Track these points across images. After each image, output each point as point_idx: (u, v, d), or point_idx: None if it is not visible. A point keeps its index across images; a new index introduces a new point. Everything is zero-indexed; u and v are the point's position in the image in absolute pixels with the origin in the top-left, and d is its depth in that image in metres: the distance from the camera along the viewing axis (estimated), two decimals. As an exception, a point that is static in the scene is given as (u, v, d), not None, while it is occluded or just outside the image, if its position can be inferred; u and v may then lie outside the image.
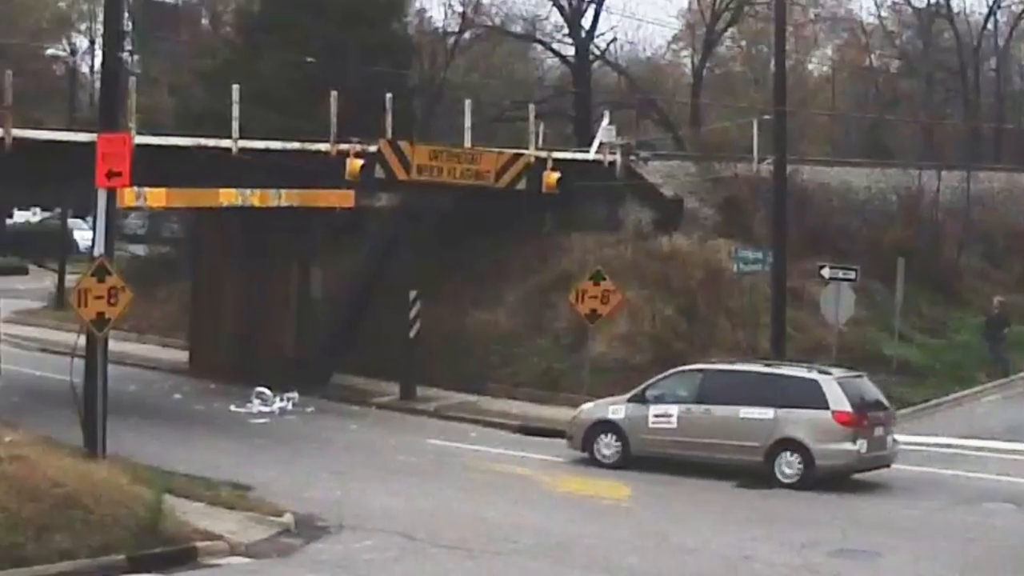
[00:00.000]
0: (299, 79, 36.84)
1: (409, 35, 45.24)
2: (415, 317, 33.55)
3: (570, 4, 51.66)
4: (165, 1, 58.29)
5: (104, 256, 21.57)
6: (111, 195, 21.92)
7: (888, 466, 25.29)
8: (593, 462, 25.63)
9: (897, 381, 33.43)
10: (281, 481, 23.22)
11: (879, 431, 24.93)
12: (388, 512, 21.39)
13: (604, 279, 30.50)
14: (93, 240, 22.74)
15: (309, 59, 37.13)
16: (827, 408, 24.29)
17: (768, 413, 24.53)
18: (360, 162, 30.98)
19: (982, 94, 58.48)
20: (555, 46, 54.05)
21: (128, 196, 26.27)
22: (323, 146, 31.62)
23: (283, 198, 30.87)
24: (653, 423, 25.25)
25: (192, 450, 25.59)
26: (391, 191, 33.27)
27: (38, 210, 61.78)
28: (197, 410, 31.71)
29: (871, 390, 25.66)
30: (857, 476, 25.47)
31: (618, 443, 25.49)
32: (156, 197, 29.32)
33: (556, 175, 33.83)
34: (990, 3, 58.84)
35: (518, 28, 53.64)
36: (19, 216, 63.10)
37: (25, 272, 56.82)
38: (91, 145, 22.21)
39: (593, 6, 51.83)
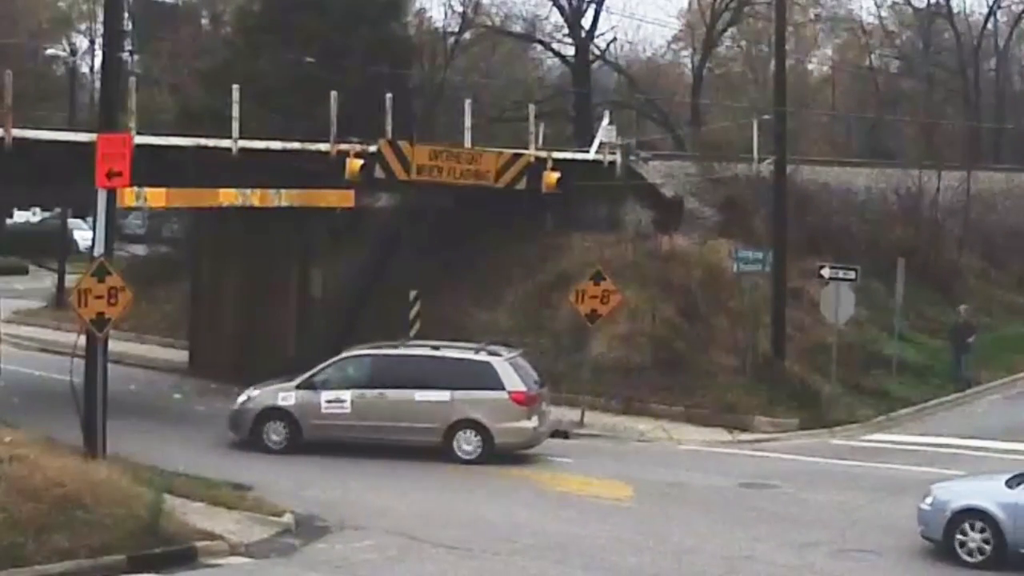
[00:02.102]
0: (299, 79, 36.83)
1: (409, 35, 45.24)
2: (415, 317, 33.54)
3: (570, 4, 51.69)
4: (165, 1, 58.34)
5: (104, 256, 21.56)
6: (111, 195, 21.92)
7: (548, 436, 26.80)
8: (260, 448, 25.96)
9: (897, 381, 33.49)
10: (281, 481, 23.22)
11: (544, 406, 26.61)
12: (388, 512, 21.40)
13: (604, 279, 30.49)
14: (93, 240, 22.73)
15: (309, 59, 37.13)
16: (503, 389, 25.58)
17: (445, 396, 25.65)
18: (360, 162, 30.98)
19: (982, 94, 58.49)
20: (555, 46, 54.14)
21: (128, 196, 26.26)
22: (323, 146, 31.62)
23: (283, 198, 30.86)
24: (326, 408, 26.06)
25: (192, 450, 25.58)
26: (391, 191, 33.28)
27: (38, 210, 61.73)
28: (197, 410, 31.69)
29: (530, 367, 26.89)
30: (856, 475, 25.51)
31: (287, 429, 26.15)
32: (156, 197, 29.31)
33: (556, 175, 33.83)
34: (990, 3, 58.95)
35: (518, 28, 53.67)
36: (19, 216, 63.06)
37: (25, 272, 56.80)
38: (91, 145, 22.21)
39: (593, 6, 51.94)
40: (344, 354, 27.33)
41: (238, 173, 30.08)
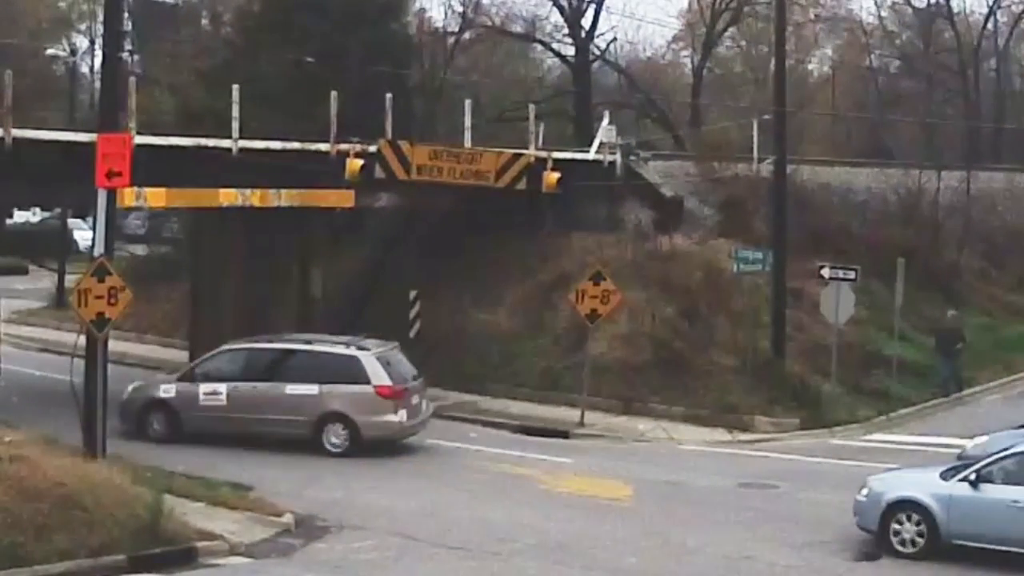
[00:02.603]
0: (299, 79, 36.81)
1: (409, 35, 45.19)
2: (415, 317, 33.55)
3: (570, 4, 51.66)
4: (165, 1, 58.27)
5: (104, 256, 21.57)
6: (111, 195, 21.93)
7: (424, 427, 27.31)
8: (144, 438, 26.33)
9: (897, 381, 33.48)
10: (281, 481, 23.23)
11: (415, 399, 26.95)
12: (388, 512, 21.40)
13: (604, 279, 30.50)
14: (93, 240, 22.75)
15: (309, 59, 37.11)
16: (369, 383, 26.08)
17: (313, 389, 26.15)
18: (360, 162, 30.98)
19: (982, 94, 58.47)
20: (555, 46, 54.08)
21: (128, 196, 26.27)
22: (323, 146, 31.62)
23: (283, 198, 30.86)
24: (203, 400, 26.57)
25: (192, 450, 25.59)
26: (391, 191, 33.24)
27: (38, 210, 61.71)
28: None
29: (404, 361, 27.44)
30: (856, 475, 25.43)
31: (168, 421, 26.81)
32: (156, 197, 29.31)
33: (556, 175, 33.83)
34: (990, 3, 58.90)
35: (518, 28, 53.62)
36: (19, 216, 63.03)
37: (25, 272, 56.76)
38: (91, 145, 22.21)
39: (593, 6, 51.88)
40: (222, 347, 27.86)
41: (238, 173, 30.07)
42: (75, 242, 53.11)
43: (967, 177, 43.15)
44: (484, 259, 35.38)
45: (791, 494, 24.05)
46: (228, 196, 30.11)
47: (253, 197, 30.36)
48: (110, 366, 22.45)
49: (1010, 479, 19.71)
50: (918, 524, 20.02)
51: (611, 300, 30.52)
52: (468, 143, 34.57)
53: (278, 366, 26.79)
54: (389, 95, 33.08)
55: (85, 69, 63.77)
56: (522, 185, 33.82)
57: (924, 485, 20.35)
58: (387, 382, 26.14)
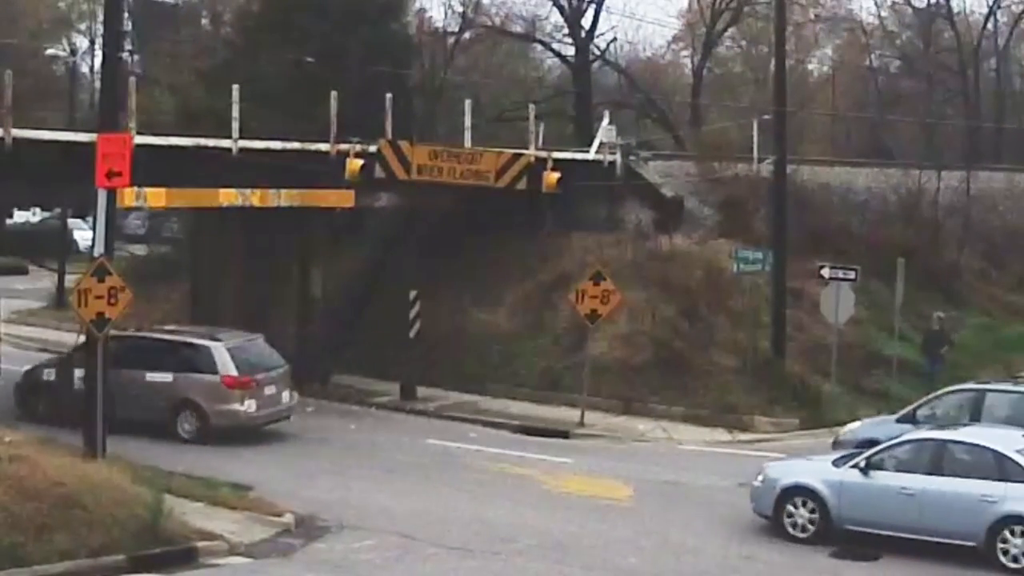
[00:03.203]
0: (299, 79, 36.79)
1: (409, 35, 45.16)
2: (415, 317, 33.54)
3: (570, 4, 51.64)
4: (165, 1, 58.28)
5: (104, 256, 21.58)
6: (111, 195, 21.95)
7: (288, 418, 28.38)
8: (33, 419, 26.88)
9: (897, 381, 33.46)
10: (281, 481, 23.24)
11: (271, 389, 27.88)
12: (388, 512, 21.41)
13: (604, 279, 30.50)
14: (93, 240, 22.75)
15: (309, 59, 37.09)
16: (217, 373, 27.20)
17: (168, 377, 27.33)
18: (360, 162, 30.98)
19: (982, 94, 58.44)
20: (555, 46, 54.04)
21: (128, 196, 26.27)
22: (323, 146, 31.62)
23: (283, 198, 30.86)
24: (78, 384, 26.66)
25: (192, 450, 25.60)
26: (391, 191, 33.24)
27: (38, 210, 61.70)
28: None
29: (265, 352, 28.50)
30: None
31: (51, 402, 27.68)
32: (156, 197, 29.31)
33: (556, 175, 33.82)
34: (990, 3, 58.84)
35: (518, 28, 53.60)
36: (19, 216, 63.02)
37: (25, 272, 56.74)
38: (91, 145, 22.23)
39: (593, 6, 51.85)
40: None
41: (238, 173, 30.07)
42: (75, 242, 53.09)
43: (967, 177, 43.09)
44: (484, 259, 35.38)
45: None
46: (228, 196, 30.11)
47: (253, 197, 30.36)
48: (110, 366, 22.47)
49: (899, 467, 20.59)
50: (811, 510, 20.75)
51: (611, 300, 30.52)
52: (468, 143, 34.57)
53: (142, 354, 27.54)
54: (389, 95, 33.08)
55: (85, 69, 63.79)
56: (522, 185, 33.81)
57: (817, 472, 21.16)
58: (233, 372, 27.11)
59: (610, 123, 37.94)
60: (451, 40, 49.89)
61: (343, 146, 31.39)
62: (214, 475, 22.63)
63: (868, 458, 20.84)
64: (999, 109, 57.65)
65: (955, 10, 59.47)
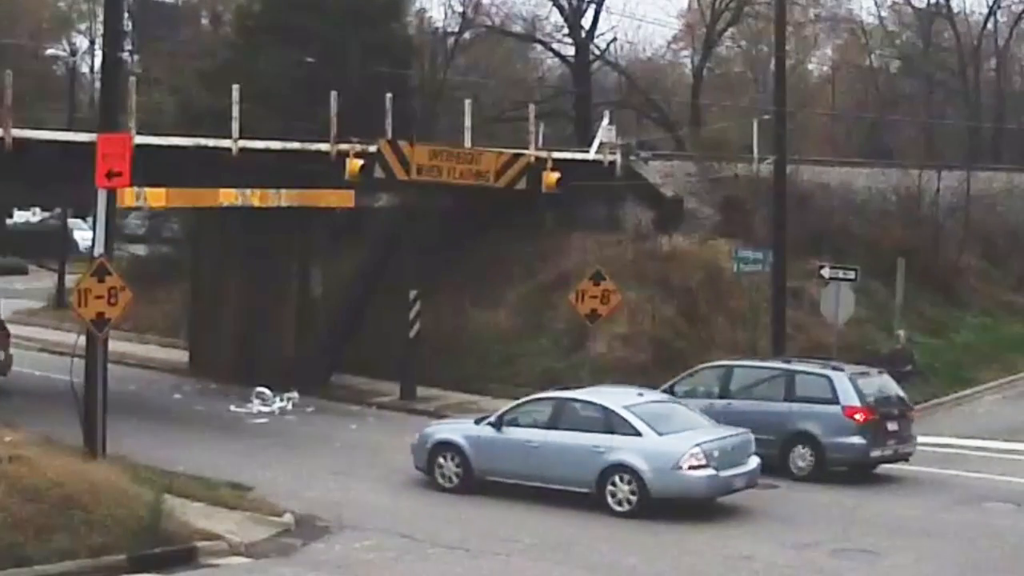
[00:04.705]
0: (299, 79, 36.82)
1: (409, 35, 45.19)
2: (415, 317, 33.54)
3: (570, 4, 51.64)
4: (165, 1, 58.28)
5: (104, 256, 21.57)
6: (111, 195, 21.93)
7: None
8: None
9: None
10: (281, 481, 23.24)
11: None
12: (388, 512, 21.41)
13: (604, 279, 30.46)
14: (93, 240, 22.74)
15: (309, 59, 37.11)
16: None
17: None
18: (360, 162, 30.96)
19: (982, 94, 58.45)
20: (555, 46, 54.05)
21: (128, 196, 26.28)
22: (323, 146, 31.62)
23: (283, 198, 30.87)
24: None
25: (192, 450, 25.60)
26: (391, 191, 33.25)
27: (38, 210, 61.74)
28: (197, 410, 31.72)
29: None
30: (856, 475, 25.48)
31: None
32: (156, 197, 29.32)
33: (556, 175, 33.81)
34: (990, 3, 58.87)
35: (518, 28, 53.61)
36: (19, 216, 63.07)
37: (25, 272, 56.80)
38: (91, 145, 22.21)
39: (593, 6, 51.85)
40: None
41: (238, 173, 30.08)
42: (75, 242, 53.12)
43: (967, 177, 43.11)
44: (484, 259, 35.39)
45: (791, 494, 24.03)
46: (228, 196, 30.11)
47: (253, 197, 30.37)
48: (110, 366, 22.45)
49: (526, 422, 23.02)
50: (457, 464, 23.21)
51: (611, 300, 30.47)
52: (468, 143, 34.56)
53: None
54: (389, 95, 33.09)
55: (85, 69, 63.80)
56: (522, 185, 33.82)
57: (461, 429, 23.73)
58: None
59: (610, 123, 37.92)
60: (451, 40, 49.90)
61: (343, 146, 31.38)
62: (214, 475, 22.61)
63: (501, 415, 23.32)
64: (999, 109, 57.64)
65: (955, 10, 59.56)
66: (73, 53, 62.15)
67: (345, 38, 38.38)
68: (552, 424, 22.79)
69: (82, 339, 21.93)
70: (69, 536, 17.12)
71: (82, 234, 51.14)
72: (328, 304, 35.23)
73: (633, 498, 21.70)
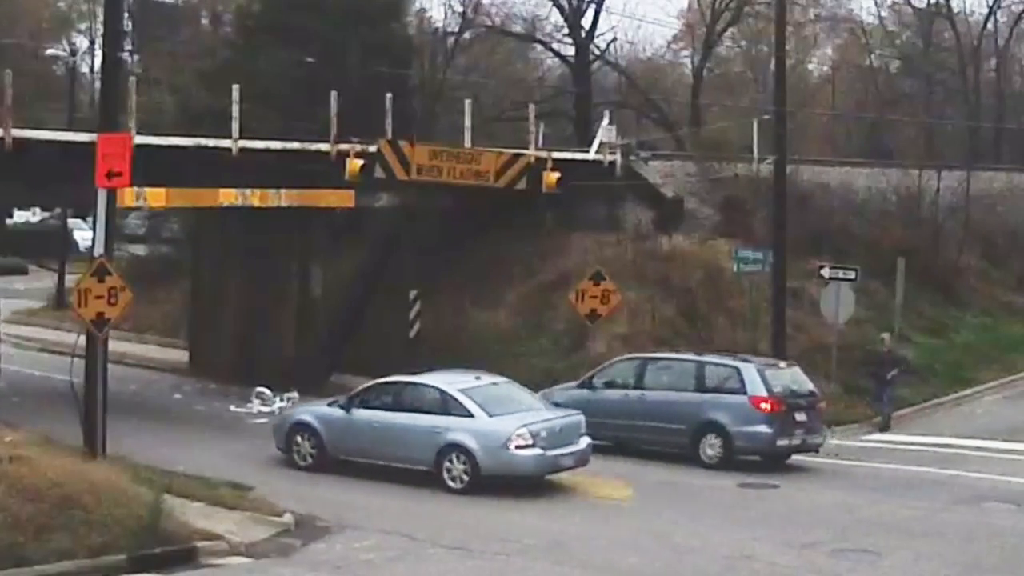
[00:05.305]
0: (299, 79, 36.84)
1: (409, 35, 45.21)
2: (415, 317, 33.54)
3: (570, 4, 51.65)
4: (165, 1, 58.30)
5: (104, 256, 21.56)
6: (111, 195, 21.92)
7: None
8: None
9: (897, 381, 33.45)
10: (281, 481, 23.24)
11: None
12: (388, 512, 21.40)
13: (604, 279, 30.49)
14: (93, 240, 22.74)
15: (309, 59, 37.12)
16: None
17: None
18: (360, 162, 30.97)
19: (982, 94, 58.44)
20: (555, 46, 54.07)
21: (128, 196, 26.28)
22: (323, 146, 31.62)
23: (283, 198, 30.87)
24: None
25: (192, 450, 25.60)
26: (391, 191, 33.26)
27: (38, 210, 61.76)
28: (197, 410, 31.71)
29: None
30: (856, 475, 25.49)
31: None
32: (156, 197, 29.33)
33: (556, 175, 33.82)
34: (990, 3, 58.85)
35: (518, 28, 53.61)
36: (19, 216, 63.09)
37: (25, 272, 56.81)
38: (91, 145, 22.21)
39: (593, 6, 51.87)
40: None
41: (238, 173, 30.08)
42: (75, 242, 53.14)
43: (967, 177, 43.10)
44: (484, 259, 35.38)
45: (791, 494, 24.04)
46: (228, 196, 30.12)
47: (253, 197, 30.37)
48: (110, 366, 22.45)
49: (372, 404, 24.33)
50: (312, 444, 24.51)
51: (611, 300, 30.51)
52: (468, 143, 34.56)
53: None
54: (389, 95, 33.08)
55: (85, 69, 63.80)
56: (522, 185, 33.82)
57: (314, 411, 25.05)
58: None
59: (610, 123, 37.92)
60: (451, 40, 49.92)
61: (343, 146, 31.39)
62: (214, 475, 22.61)
63: (350, 398, 24.68)
64: (999, 109, 57.63)
65: (955, 10, 59.52)
66: (73, 53, 62.16)
67: (345, 38, 38.40)
68: (395, 406, 24.16)
69: (82, 339, 21.93)
70: (69, 536, 17.11)
71: (82, 234, 51.16)
72: (328, 304, 35.22)
73: (466, 476, 23.01)
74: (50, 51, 63.07)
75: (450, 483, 23.09)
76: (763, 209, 35.65)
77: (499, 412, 23.49)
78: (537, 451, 23.06)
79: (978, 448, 28.67)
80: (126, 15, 45.03)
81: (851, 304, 32.32)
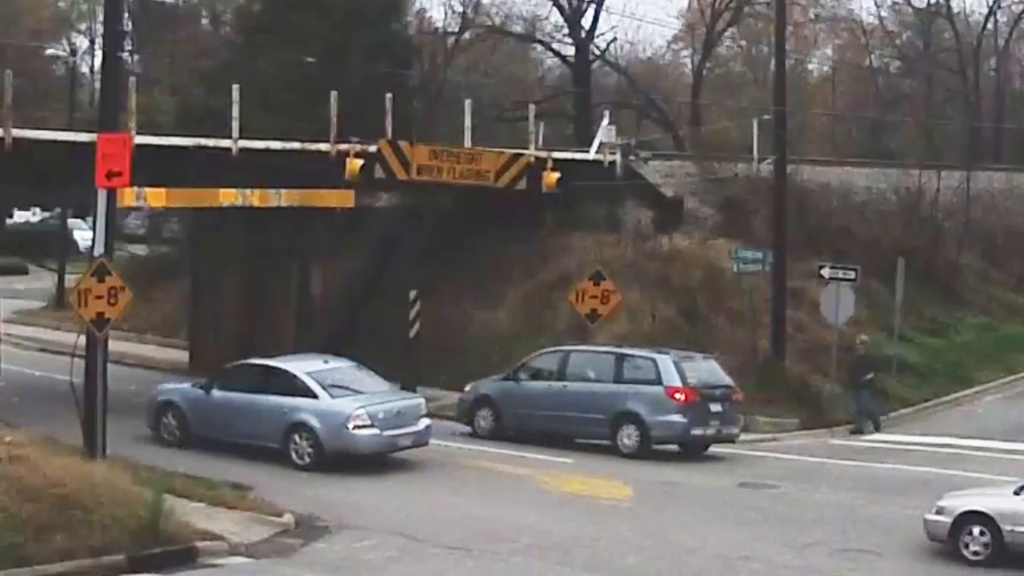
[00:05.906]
0: (299, 79, 36.82)
1: (409, 35, 45.22)
2: (415, 317, 33.54)
3: (570, 4, 51.68)
4: (165, 1, 58.36)
5: (104, 256, 21.57)
6: (111, 195, 21.92)
7: None
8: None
9: (897, 381, 33.47)
10: (281, 481, 23.24)
11: None
12: (388, 512, 21.40)
13: (604, 279, 30.49)
14: (93, 240, 22.74)
15: (309, 59, 37.11)
16: None
17: None
18: (360, 162, 30.95)
19: (982, 94, 58.46)
20: (555, 46, 54.13)
21: (128, 196, 26.25)
22: (323, 146, 31.61)
23: (283, 198, 30.84)
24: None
25: (193, 450, 25.59)
26: (391, 191, 33.25)
27: (38, 210, 61.76)
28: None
29: None
30: (857, 475, 25.49)
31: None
32: (156, 197, 29.30)
33: (556, 175, 33.81)
34: (990, 3, 58.91)
35: (518, 28, 53.67)
36: (19, 216, 63.09)
37: (25, 272, 56.79)
38: (91, 145, 22.21)
39: (593, 6, 51.92)
40: None
41: (238, 173, 30.06)
42: (75, 242, 53.14)
43: (967, 177, 43.11)
44: (484, 259, 35.37)
45: (791, 494, 24.05)
46: (228, 196, 30.09)
47: (253, 197, 30.35)
48: (110, 366, 22.45)
49: (232, 387, 25.68)
50: (177, 422, 26.04)
51: (611, 300, 30.51)
52: (468, 143, 34.56)
53: None
54: (389, 95, 33.07)
55: (85, 69, 63.86)
56: (522, 185, 33.81)
57: (180, 391, 26.60)
58: None
59: (610, 123, 37.91)
60: (451, 40, 49.94)
61: (343, 146, 31.37)
62: (214, 475, 22.61)
63: (211, 379, 26.15)
64: (999, 109, 57.66)
65: (955, 10, 59.60)
66: (73, 53, 62.19)
67: (345, 38, 38.39)
68: (250, 387, 25.51)
69: (82, 339, 21.93)
70: (69, 536, 17.12)
71: (82, 234, 51.14)
72: (328, 304, 35.22)
73: (311, 453, 24.43)
74: (50, 51, 63.13)
75: (296, 460, 24.45)
76: (763, 209, 35.67)
77: (341, 394, 24.98)
78: (374, 431, 24.52)
79: (978, 448, 28.68)
80: (126, 15, 45.06)
81: (851, 304, 32.31)
